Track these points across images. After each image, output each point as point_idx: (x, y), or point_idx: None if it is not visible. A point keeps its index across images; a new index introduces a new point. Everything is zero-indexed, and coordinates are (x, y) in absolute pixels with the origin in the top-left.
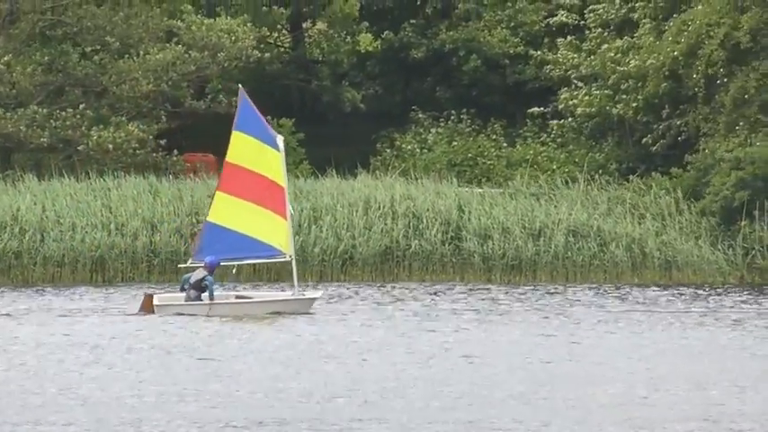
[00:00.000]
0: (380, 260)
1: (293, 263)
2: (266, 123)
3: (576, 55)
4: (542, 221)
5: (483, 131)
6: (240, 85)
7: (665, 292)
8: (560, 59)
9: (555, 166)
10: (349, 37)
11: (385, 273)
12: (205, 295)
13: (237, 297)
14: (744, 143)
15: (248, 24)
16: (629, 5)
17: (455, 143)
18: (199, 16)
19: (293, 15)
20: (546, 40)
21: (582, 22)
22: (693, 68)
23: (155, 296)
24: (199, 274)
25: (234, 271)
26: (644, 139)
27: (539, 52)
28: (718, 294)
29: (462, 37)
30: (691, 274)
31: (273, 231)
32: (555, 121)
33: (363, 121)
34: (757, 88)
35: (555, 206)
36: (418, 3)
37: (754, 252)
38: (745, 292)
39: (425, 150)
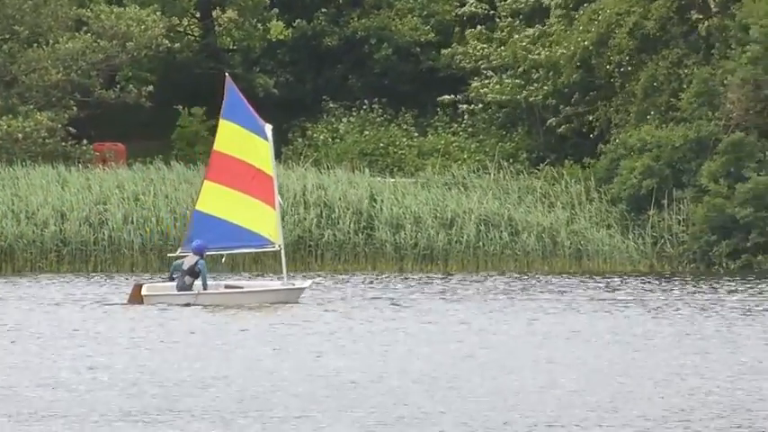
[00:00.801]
0: (293, 249)
1: (282, 252)
2: (254, 112)
3: (486, 45)
4: (454, 211)
5: (394, 121)
6: (227, 74)
7: (573, 281)
8: (470, 51)
9: (466, 156)
10: (260, 24)
11: (297, 262)
12: (198, 282)
13: (227, 287)
14: (656, 133)
15: (157, 13)
16: None
17: (367, 133)
18: (108, 5)
19: (202, 3)
20: (457, 29)
21: (492, 12)
22: (604, 58)
23: (143, 286)
24: (191, 260)
25: (224, 260)
26: (553, 125)
27: (449, 49)
28: (625, 282)
29: (374, 25)
30: (601, 263)
31: (262, 221)
32: (466, 106)
33: (275, 111)
34: (667, 77)
35: (466, 195)
36: None
37: (663, 240)
38: (654, 281)
39: (337, 140)
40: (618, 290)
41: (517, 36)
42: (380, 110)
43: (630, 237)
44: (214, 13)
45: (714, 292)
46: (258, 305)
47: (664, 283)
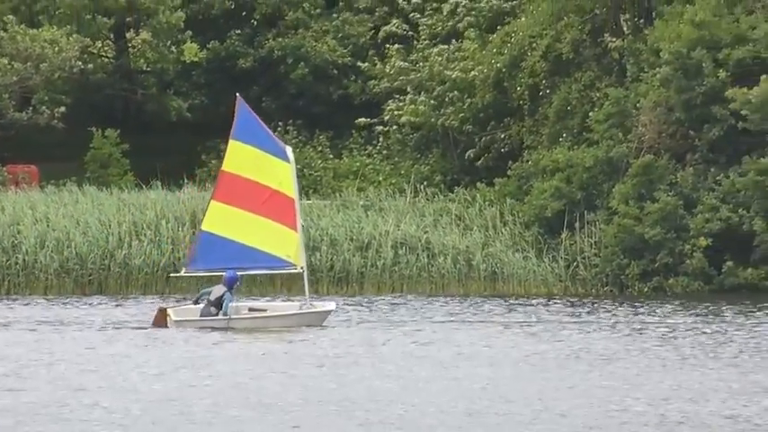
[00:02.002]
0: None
1: (305, 274)
2: (271, 133)
3: (403, 63)
4: (370, 233)
5: (310, 143)
6: (237, 94)
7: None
8: (387, 70)
9: (381, 178)
10: (174, 46)
11: (212, 285)
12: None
13: (250, 309)
14: (567, 153)
15: (72, 35)
16: (456, 18)
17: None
18: (22, 26)
19: (117, 25)
20: (371, 52)
21: (411, 33)
22: (517, 80)
23: (170, 310)
24: (219, 290)
25: (238, 283)
26: (468, 152)
27: (366, 63)
28: (532, 305)
29: (291, 44)
30: (516, 286)
31: (278, 242)
32: (381, 128)
33: (188, 132)
34: (579, 99)
35: (382, 218)
36: (244, 13)
37: (576, 263)
38: (566, 303)
39: None
40: (517, 311)
41: (433, 57)
42: (296, 132)
43: (545, 259)
44: (128, 35)
45: (610, 315)
46: (287, 329)
47: (567, 306)
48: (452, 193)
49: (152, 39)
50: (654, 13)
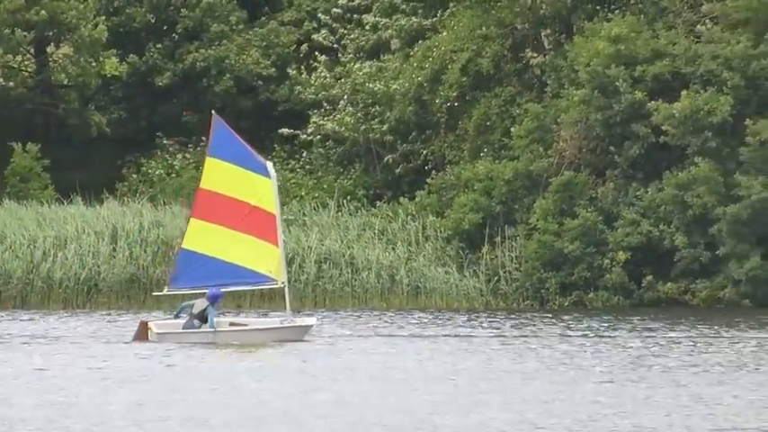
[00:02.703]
0: (126, 287)
1: (286, 289)
2: (250, 150)
3: (328, 75)
4: (293, 248)
5: None
6: (214, 112)
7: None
8: (312, 81)
9: (304, 193)
10: (94, 61)
11: (132, 299)
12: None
13: (231, 324)
14: (488, 166)
15: None
16: (379, 32)
17: (203, 168)
18: None
19: (37, 39)
20: (295, 65)
21: (336, 45)
22: (437, 94)
23: (151, 323)
24: (201, 304)
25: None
26: (390, 166)
27: (293, 71)
28: (450, 319)
29: (214, 55)
30: (438, 300)
31: (259, 257)
32: (304, 137)
33: (109, 146)
34: (500, 115)
35: (305, 233)
36: (165, 27)
37: (497, 278)
38: (487, 317)
39: (173, 175)
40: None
41: (357, 66)
42: None
43: (466, 274)
44: (49, 49)
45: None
46: (267, 343)
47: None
48: (375, 207)
49: (73, 53)
50: (575, 29)
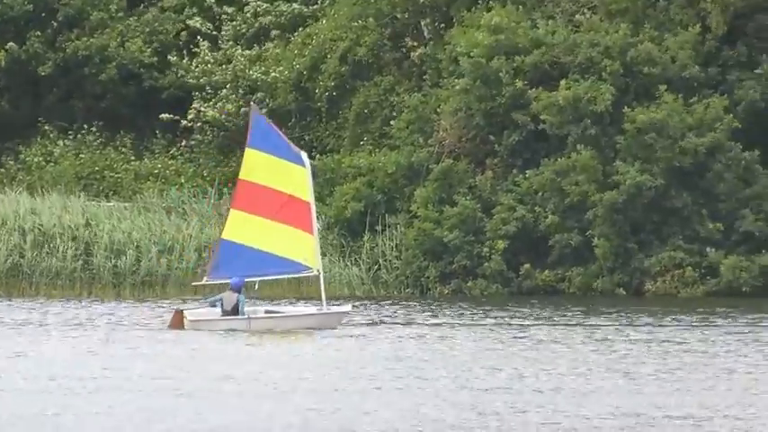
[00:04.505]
0: (6, 276)
1: (321, 277)
2: (286, 140)
3: (211, 60)
4: (173, 237)
5: (111, 144)
6: (252, 103)
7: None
8: (193, 67)
9: (183, 180)
10: None
11: (11, 288)
12: (247, 309)
13: (267, 311)
14: (369, 158)
15: None
16: (259, 19)
17: (83, 156)
18: None
19: None
20: (176, 51)
21: (215, 33)
22: (317, 83)
23: (186, 312)
24: (230, 297)
25: (257, 287)
26: None
27: (174, 57)
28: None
29: (95, 44)
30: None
31: (296, 246)
32: (185, 123)
33: None
34: (379, 103)
35: (186, 221)
36: (44, 15)
37: (378, 266)
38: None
39: (52, 163)
40: None
41: (238, 52)
42: (97, 132)
43: (348, 262)
44: None
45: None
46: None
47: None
48: None
49: None
50: (454, 19)
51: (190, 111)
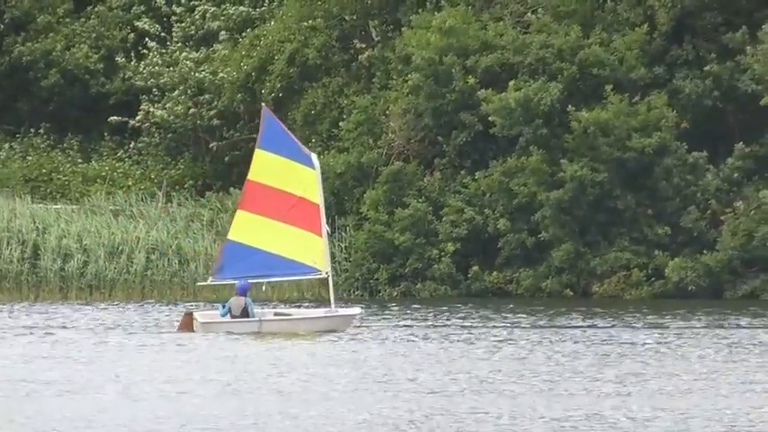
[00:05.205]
0: None
1: (330, 280)
2: (297, 141)
3: (160, 61)
4: (122, 239)
5: (59, 146)
6: (264, 104)
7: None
8: (141, 69)
9: (131, 183)
10: None
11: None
12: (257, 310)
13: (276, 314)
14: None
15: None
16: (208, 20)
17: (30, 158)
18: None
19: None
20: (123, 54)
21: (163, 34)
22: (265, 84)
23: (196, 314)
24: (239, 302)
25: (264, 289)
26: (216, 151)
27: (122, 59)
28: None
29: (41, 48)
30: (270, 291)
31: (304, 249)
32: (132, 122)
33: None
34: (327, 105)
35: (134, 224)
36: None
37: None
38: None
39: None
40: None
41: (185, 59)
42: (45, 135)
43: None
44: None
45: None
46: (316, 332)
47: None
48: (204, 198)
49: None
50: (402, 21)
51: (138, 112)
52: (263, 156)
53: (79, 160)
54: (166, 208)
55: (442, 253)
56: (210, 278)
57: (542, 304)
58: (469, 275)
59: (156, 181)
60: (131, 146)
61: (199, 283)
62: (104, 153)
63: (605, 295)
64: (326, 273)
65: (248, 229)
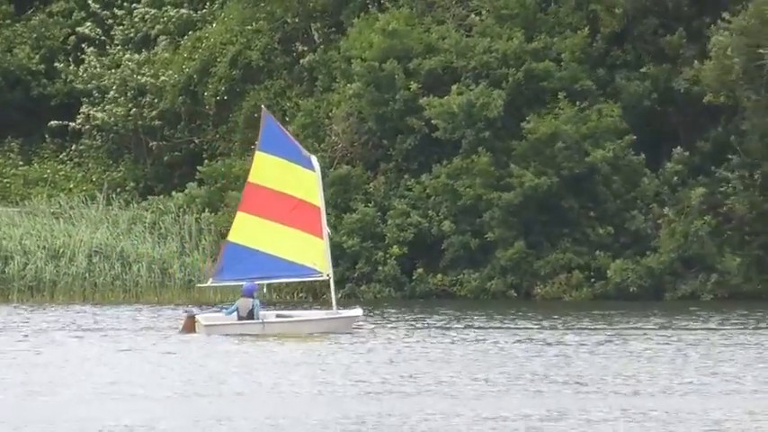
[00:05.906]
0: None
1: (331, 281)
2: (297, 144)
3: (97, 65)
4: (63, 242)
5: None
6: (263, 107)
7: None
8: (81, 73)
9: (72, 185)
10: None
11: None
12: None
13: (278, 315)
14: None
15: None
16: (148, 23)
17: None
18: None
19: None
20: (63, 57)
21: (104, 38)
22: (207, 86)
23: (199, 316)
24: (245, 303)
25: (264, 290)
26: (157, 152)
27: (60, 64)
28: None
29: None
30: (212, 294)
31: (304, 250)
32: (73, 125)
33: None
34: (270, 107)
35: (75, 226)
36: None
37: None
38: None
39: None
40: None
41: (126, 56)
42: None
43: None
44: None
45: None
46: (319, 333)
47: None
48: (146, 200)
49: None
50: (345, 24)
51: (78, 115)
52: (263, 158)
53: (20, 163)
54: (107, 210)
55: (387, 256)
56: (210, 280)
57: (486, 306)
58: (414, 278)
59: (97, 183)
60: (72, 148)
61: (199, 285)
62: (45, 156)
63: (547, 297)
64: (327, 274)
65: (248, 230)
